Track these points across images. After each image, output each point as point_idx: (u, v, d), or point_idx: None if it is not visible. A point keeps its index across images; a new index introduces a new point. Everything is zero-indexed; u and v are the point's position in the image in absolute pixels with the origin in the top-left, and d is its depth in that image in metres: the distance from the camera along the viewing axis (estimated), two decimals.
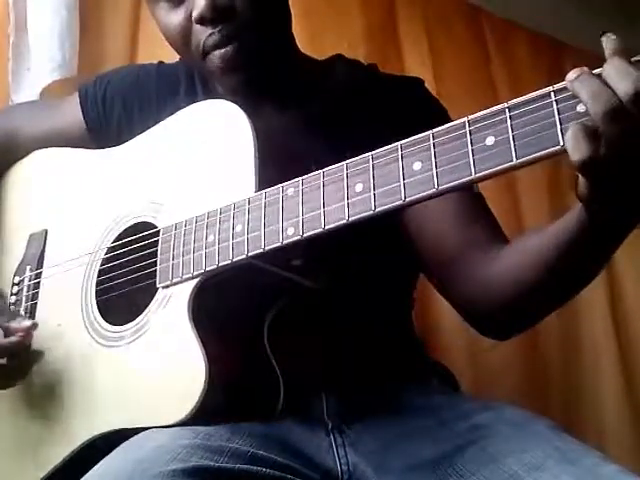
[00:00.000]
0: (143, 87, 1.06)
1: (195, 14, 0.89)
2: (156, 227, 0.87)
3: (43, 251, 1.00)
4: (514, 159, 0.56)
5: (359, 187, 0.66)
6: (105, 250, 0.92)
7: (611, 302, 1.82)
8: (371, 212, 0.65)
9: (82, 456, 0.82)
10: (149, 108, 1.03)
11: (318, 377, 0.87)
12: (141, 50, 1.46)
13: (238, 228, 0.76)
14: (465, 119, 0.60)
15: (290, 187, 0.73)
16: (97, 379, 0.85)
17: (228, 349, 0.79)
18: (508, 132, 0.57)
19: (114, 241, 0.91)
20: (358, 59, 1.12)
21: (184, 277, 0.80)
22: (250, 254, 0.74)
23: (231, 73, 0.92)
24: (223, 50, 0.90)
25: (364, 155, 0.67)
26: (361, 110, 0.98)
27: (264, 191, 0.75)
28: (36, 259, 0.99)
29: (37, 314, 0.95)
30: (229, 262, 0.76)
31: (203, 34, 0.90)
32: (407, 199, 0.62)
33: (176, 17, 0.91)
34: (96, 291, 0.91)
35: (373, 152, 0.67)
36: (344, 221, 0.67)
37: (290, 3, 0.99)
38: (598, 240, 0.70)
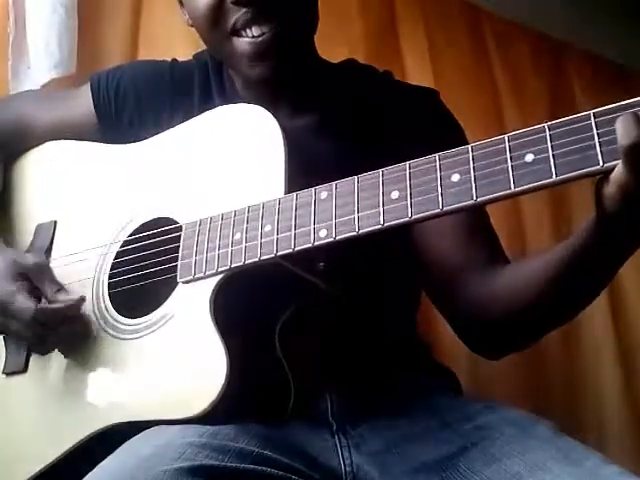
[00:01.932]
0: (156, 85, 1.05)
1: None
2: (177, 223, 0.87)
3: (52, 242, 0.99)
4: (554, 176, 0.59)
5: (395, 194, 0.69)
6: (120, 243, 0.92)
7: (612, 301, 1.84)
8: (407, 219, 0.67)
9: (89, 452, 0.82)
10: (162, 107, 1.03)
11: (324, 378, 0.88)
12: (141, 47, 1.45)
13: (267, 228, 0.77)
14: (505, 136, 0.63)
15: (323, 191, 0.75)
16: (108, 370, 0.86)
17: (243, 348, 0.80)
18: (548, 151, 0.60)
19: (130, 235, 0.92)
20: (358, 59, 1.12)
21: (207, 273, 0.81)
22: (279, 254, 0.76)
23: (259, 59, 0.91)
24: (256, 32, 0.89)
25: (400, 164, 0.70)
26: (376, 116, 0.99)
27: (295, 193, 0.77)
28: (44, 250, 0.98)
29: None
30: (256, 260, 0.77)
31: (237, 12, 0.89)
32: (445, 208, 0.65)
33: None
34: (109, 283, 0.91)
35: (410, 162, 0.69)
36: (379, 226, 0.69)
37: None
38: (606, 254, 0.72)
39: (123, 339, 0.86)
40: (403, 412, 0.88)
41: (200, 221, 0.84)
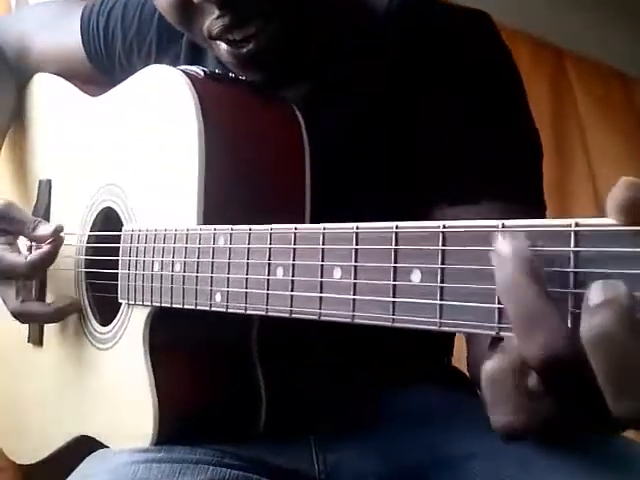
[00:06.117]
0: (143, 27, 0.92)
1: None
2: (119, 217, 0.77)
3: (49, 205, 0.93)
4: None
5: (280, 271, 0.50)
6: (87, 237, 0.83)
7: None
8: (287, 315, 0.49)
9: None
10: (148, 51, 0.91)
11: (308, 384, 0.79)
12: None
13: (177, 267, 0.63)
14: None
15: (221, 235, 0.57)
16: (83, 378, 0.82)
17: (205, 371, 0.72)
18: None
19: (91, 228, 0.83)
20: None
21: (137, 302, 0.70)
22: (186, 307, 0.62)
23: (246, 70, 0.73)
24: (238, 35, 0.69)
25: (289, 227, 0.49)
26: (414, 81, 0.75)
27: (200, 232, 0.60)
28: (43, 212, 0.93)
29: None
30: (169, 305, 0.65)
31: (209, 15, 0.69)
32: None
33: None
34: (86, 284, 0.83)
35: (296, 228, 0.49)
36: (263, 312, 0.51)
37: None
38: None
39: (95, 347, 0.80)
40: (389, 418, 0.78)
41: (131, 236, 0.72)
